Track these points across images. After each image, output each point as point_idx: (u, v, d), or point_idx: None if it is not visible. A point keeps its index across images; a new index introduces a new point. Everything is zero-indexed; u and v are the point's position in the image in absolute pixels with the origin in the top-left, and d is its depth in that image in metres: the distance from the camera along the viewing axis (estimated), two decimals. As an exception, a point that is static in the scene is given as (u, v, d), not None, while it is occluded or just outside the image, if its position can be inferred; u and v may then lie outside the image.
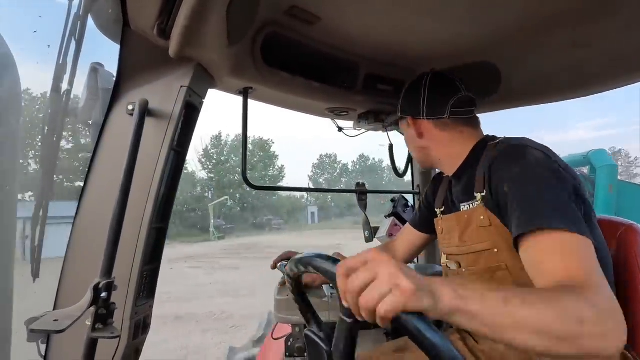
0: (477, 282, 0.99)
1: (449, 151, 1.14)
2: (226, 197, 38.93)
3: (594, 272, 0.72)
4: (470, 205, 1.05)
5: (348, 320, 0.59)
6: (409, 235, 1.44)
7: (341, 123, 1.87)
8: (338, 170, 63.69)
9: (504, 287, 0.90)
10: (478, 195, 1.00)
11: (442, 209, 1.23)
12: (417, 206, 1.49)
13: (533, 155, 0.88)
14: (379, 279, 0.54)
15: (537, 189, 0.83)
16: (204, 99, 1.04)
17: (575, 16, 1.14)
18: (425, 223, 1.37)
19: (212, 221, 30.97)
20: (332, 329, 0.64)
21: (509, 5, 1.11)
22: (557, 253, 0.75)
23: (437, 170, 1.39)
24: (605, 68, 1.22)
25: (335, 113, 1.70)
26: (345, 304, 0.57)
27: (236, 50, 1.06)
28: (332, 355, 0.64)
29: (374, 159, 66.85)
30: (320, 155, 65.41)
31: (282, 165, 50.56)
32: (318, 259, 0.66)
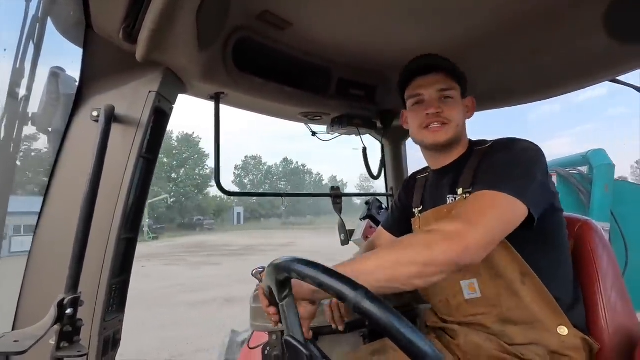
0: (457, 273, 1.01)
1: (464, 140, 1.17)
2: (166, 195, 37.69)
3: (474, 211, 0.85)
4: (453, 199, 1.08)
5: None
6: (385, 239, 1.43)
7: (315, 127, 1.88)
8: (263, 172, 64.23)
9: None
10: (460, 190, 1.04)
11: (420, 208, 1.24)
12: (389, 209, 1.48)
13: (527, 144, 0.99)
14: None
15: (518, 166, 0.93)
16: (173, 104, 1.01)
17: (534, 24, 1.21)
18: (400, 224, 1.37)
19: (147, 220, 29.00)
20: (315, 334, 0.64)
21: (476, 12, 1.17)
22: (472, 201, 0.89)
23: (408, 173, 1.38)
24: (563, 72, 1.29)
25: (308, 117, 1.71)
26: None
27: (207, 54, 1.04)
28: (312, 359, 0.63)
29: (296, 162, 69.03)
30: (245, 157, 66.28)
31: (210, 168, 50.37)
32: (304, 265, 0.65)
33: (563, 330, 0.94)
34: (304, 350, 0.66)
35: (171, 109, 1.00)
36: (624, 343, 1.00)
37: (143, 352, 4.67)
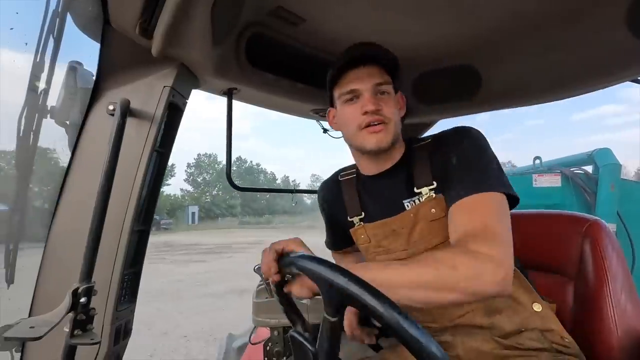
0: None
1: (401, 139, 1.06)
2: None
3: (491, 224, 0.79)
4: (414, 202, 0.99)
5: (332, 319, 0.60)
6: (345, 258, 1.37)
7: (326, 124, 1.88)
8: (217, 171, 63.44)
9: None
10: (424, 189, 0.96)
11: (361, 216, 1.10)
12: (325, 227, 1.34)
13: (474, 131, 0.96)
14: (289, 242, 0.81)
15: (479, 160, 0.90)
16: (187, 99, 1.02)
17: (551, 21, 1.18)
18: (341, 239, 1.29)
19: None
20: (317, 330, 0.64)
21: (490, 10, 1.15)
22: (470, 211, 0.84)
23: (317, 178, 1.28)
24: (582, 71, 1.26)
25: (320, 114, 1.70)
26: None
27: (220, 50, 1.05)
28: (317, 356, 0.64)
29: (250, 161, 69.28)
30: (198, 155, 65.95)
31: (173, 164, 50.96)
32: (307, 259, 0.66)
33: (537, 307, 0.95)
34: (309, 346, 0.66)
35: (185, 103, 1.01)
36: (633, 345, 0.98)
37: (215, 329, 5.11)
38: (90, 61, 0.92)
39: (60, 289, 0.73)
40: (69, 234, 0.89)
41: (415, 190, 0.98)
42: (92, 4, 0.86)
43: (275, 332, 1.38)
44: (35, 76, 0.81)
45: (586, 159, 4.17)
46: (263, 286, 1.42)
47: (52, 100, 0.89)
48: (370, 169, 1.07)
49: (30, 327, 0.65)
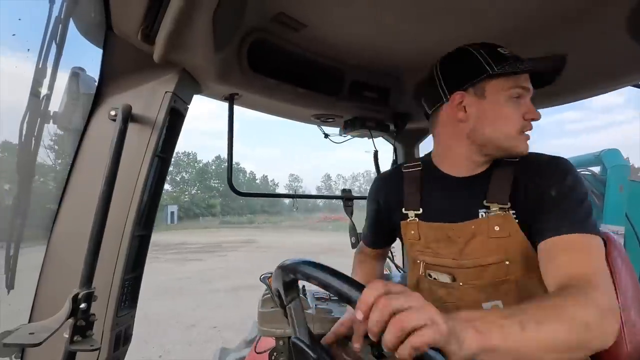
0: (478, 295, 0.94)
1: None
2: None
3: (601, 270, 0.77)
4: (484, 213, 0.94)
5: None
6: (372, 259, 1.32)
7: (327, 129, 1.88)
8: (197, 170, 63.28)
9: (514, 307, 0.79)
10: (494, 205, 0.92)
11: (418, 212, 1.05)
12: (366, 223, 1.28)
13: (572, 165, 0.93)
14: (417, 309, 0.52)
15: (580, 198, 0.87)
16: (189, 104, 1.03)
17: (551, 27, 1.18)
18: (384, 237, 1.24)
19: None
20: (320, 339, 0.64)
21: (489, 16, 1.15)
22: (576, 251, 0.80)
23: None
24: (584, 76, 1.26)
25: (321, 119, 1.71)
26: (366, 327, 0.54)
27: (222, 55, 1.05)
28: None
29: None
30: (177, 153, 65.28)
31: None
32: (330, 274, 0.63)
33: None
34: (311, 353, 0.65)
35: (186, 109, 1.01)
36: None
37: (240, 321, 5.28)
38: (93, 67, 0.93)
39: (61, 295, 0.72)
40: (70, 239, 0.88)
41: (485, 202, 0.94)
42: (94, 10, 0.86)
43: (281, 342, 1.36)
44: (37, 82, 0.81)
45: (593, 159, 4.07)
46: (268, 295, 1.40)
47: (55, 105, 0.90)
48: (461, 169, 1.01)
49: (30, 333, 0.65)
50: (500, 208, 0.91)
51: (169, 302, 6.53)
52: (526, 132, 0.92)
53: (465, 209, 0.97)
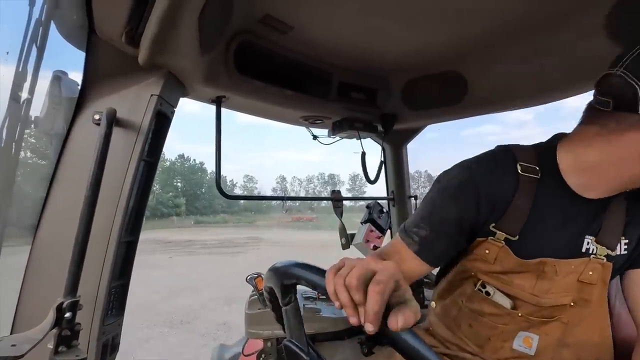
0: (523, 325, 0.86)
1: None
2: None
3: None
4: (588, 248, 0.81)
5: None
6: (412, 266, 0.87)
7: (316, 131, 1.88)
8: (163, 169, 62.41)
9: None
10: (602, 249, 0.80)
11: (513, 238, 0.81)
12: (419, 225, 0.87)
13: None
14: (393, 278, 0.46)
15: None
16: (175, 107, 1.01)
17: (534, 28, 1.21)
18: (444, 255, 0.90)
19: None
20: (312, 341, 0.64)
21: (475, 18, 1.17)
22: None
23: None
24: (564, 76, 1.29)
25: (309, 121, 1.71)
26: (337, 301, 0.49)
27: (209, 58, 1.04)
28: None
29: (194, 160, 68.13)
30: None
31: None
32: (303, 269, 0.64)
33: None
34: (303, 356, 0.65)
35: (173, 112, 1.00)
36: (627, 352, 0.98)
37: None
38: (76, 70, 0.91)
39: (44, 304, 0.70)
40: (53, 247, 0.86)
41: (594, 241, 0.81)
42: (76, 13, 0.84)
43: (269, 344, 1.36)
44: (17, 86, 0.79)
45: None
46: (255, 297, 1.40)
47: (36, 110, 0.87)
48: (585, 189, 0.80)
49: (12, 345, 0.63)
50: (606, 255, 0.80)
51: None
52: None
53: (572, 239, 0.81)
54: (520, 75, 1.39)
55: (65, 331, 0.68)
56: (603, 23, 1.08)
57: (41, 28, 0.79)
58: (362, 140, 1.84)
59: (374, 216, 1.84)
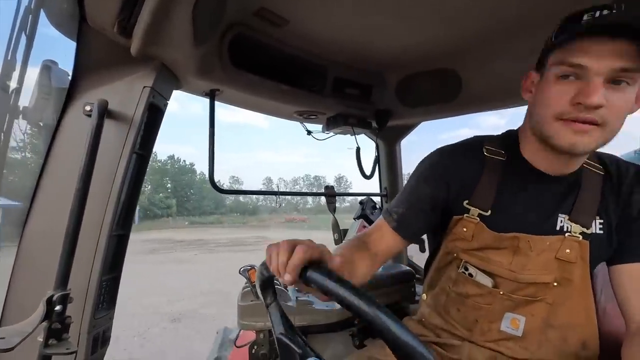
0: (509, 305, 0.89)
1: None
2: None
3: None
4: (563, 227, 0.85)
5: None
6: (390, 241, 0.96)
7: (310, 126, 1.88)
8: (155, 169, 61.47)
9: None
10: (577, 227, 0.83)
11: (486, 214, 0.88)
12: (397, 204, 0.97)
13: None
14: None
15: None
16: (168, 100, 1.00)
17: (527, 26, 1.22)
18: (419, 230, 0.98)
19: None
20: (304, 333, 0.64)
21: (469, 16, 1.17)
22: None
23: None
24: None
25: (304, 116, 1.70)
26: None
27: (202, 50, 1.03)
28: (305, 358, 0.63)
29: (184, 161, 67.55)
30: None
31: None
32: None
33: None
34: (296, 349, 0.65)
35: (165, 104, 0.99)
36: (613, 345, 1.00)
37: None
38: (66, 60, 0.89)
39: (34, 297, 0.70)
40: (43, 239, 0.85)
41: (568, 219, 0.84)
42: (67, 1, 0.83)
43: (261, 335, 1.37)
44: (6, 75, 0.77)
45: (635, 157, 4.03)
46: (248, 289, 1.40)
47: (25, 100, 0.86)
48: (548, 165, 0.85)
49: (1, 338, 0.62)
50: (581, 233, 0.83)
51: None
52: (571, 120, 0.71)
53: (545, 217, 0.85)
54: (514, 74, 1.39)
55: (56, 324, 0.68)
56: None
57: (30, 16, 0.78)
58: (356, 136, 1.84)
59: (367, 212, 1.85)
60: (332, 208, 1.81)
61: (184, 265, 11.48)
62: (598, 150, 0.77)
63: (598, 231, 0.84)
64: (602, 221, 0.84)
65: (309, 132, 1.90)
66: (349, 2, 1.10)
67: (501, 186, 0.88)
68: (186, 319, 5.77)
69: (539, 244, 0.85)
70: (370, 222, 1.84)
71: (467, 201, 0.90)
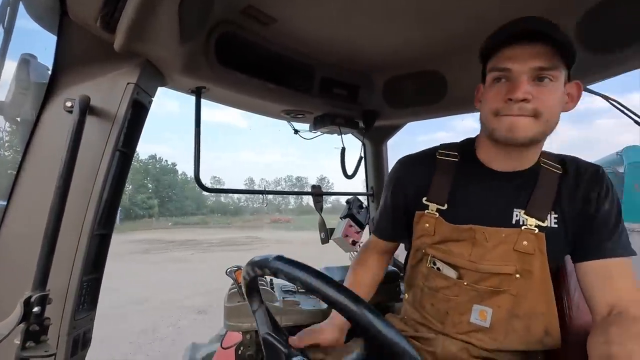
0: (475, 297, 0.94)
1: (543, 143, 0.92)
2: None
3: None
4: (519, 220, 0.90)
5: None
6: (375, 242, 1.21)
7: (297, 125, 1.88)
8: (137, 169, 59.86)
9: None
10: (533, 221, 0.89)
11: (442, 208, 0.98)
12: (376, 212, 1.19)
13: (607, 178, 0.91)
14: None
15: (620, 219, 0.89)
16: (152, 97, 0.98)
17: None
18: (401, 227, 1.11)
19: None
20: (290, 332, 0.64)
21: (454, 19, 1.19)
22: (623, 277, 0.84)
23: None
24: None
25: (291, 115, 1.70)
26: None
27: (189, 47, 1.02)
28: (290, 358, 0.63)
29: (166, 160, 66.37)
30: None
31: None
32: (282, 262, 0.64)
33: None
34: (282, 348, 0.65)
35: (150, 101, 0.97)
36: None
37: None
38: (46, 54, 0.87)
39: (11, 298, 0.67)
40: (22, 238, 0.82)
41: (523, 213, 0.90)
42: (47, -6, 0.80)
43: (248, 336, 1.36)
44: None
45: (617, 158, 4.05)
46: (234, 290, 1.39)
47: (1, 94, 0.83)
48: (500, 163, 0.94)
49: (-25, 341, 0.60)
50: (537, 226, 0.89)
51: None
52: (506, 115, 0.82)
53: (499, 210, 0.92)
54: None
55: (34, 326, 0.65)
56: (575, 29, 1.13)
57: (9, 9, 0.75)
58: (342, 135, 1.85)
59: (354, 211, 1.86)
60: (319, 207, 1.81)
61: (183, 264, 11.55)
62: (561, 153, 0.92)
63: (553, 225, 0.90)
64: (557, 216, 0.90)
65: (296, 131, 1.90)
66: (338, 3, 1.11)
67: (455, 182, 0.99)
68: (212, 309, 5.98)
69: (495, 236, 0.91)
70: (356, 221, 1.85)
71: (425, 198, 1.01)
